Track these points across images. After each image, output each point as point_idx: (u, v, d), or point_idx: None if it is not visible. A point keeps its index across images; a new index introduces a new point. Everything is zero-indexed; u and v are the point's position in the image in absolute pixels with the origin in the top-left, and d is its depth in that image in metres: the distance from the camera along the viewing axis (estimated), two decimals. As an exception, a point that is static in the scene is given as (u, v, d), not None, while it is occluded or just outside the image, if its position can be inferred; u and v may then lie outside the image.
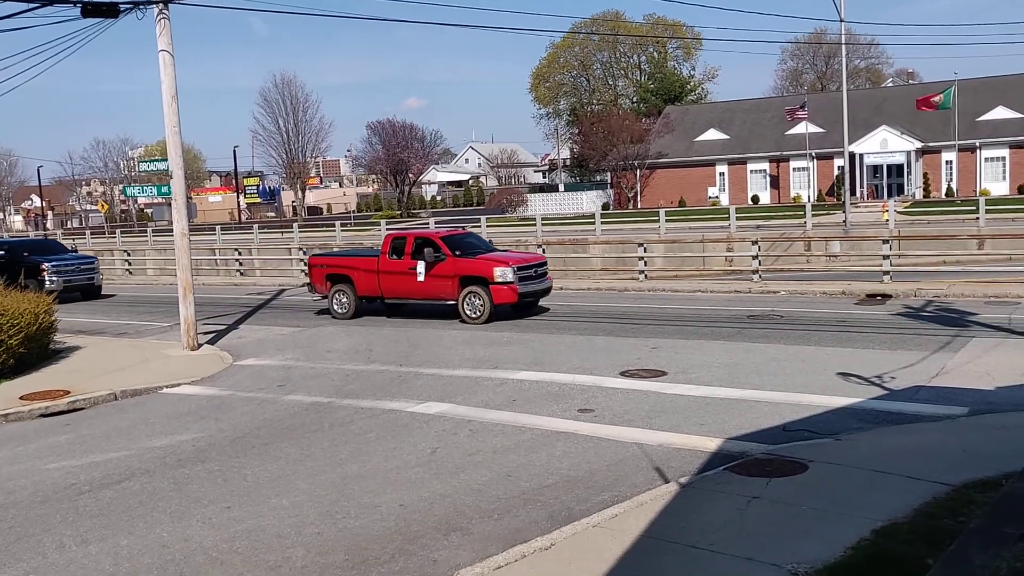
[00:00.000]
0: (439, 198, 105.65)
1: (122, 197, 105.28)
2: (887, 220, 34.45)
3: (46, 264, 29.16)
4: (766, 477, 8.42)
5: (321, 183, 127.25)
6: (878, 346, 15.22)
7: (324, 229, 47.06)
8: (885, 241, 24.34)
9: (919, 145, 60.70)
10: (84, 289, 30.38)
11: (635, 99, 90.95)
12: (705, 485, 8.39)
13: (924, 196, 59.58)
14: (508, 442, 10.50)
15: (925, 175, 61.17)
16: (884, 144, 61.25)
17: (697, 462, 9.34)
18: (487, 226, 37.04)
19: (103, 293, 31.42)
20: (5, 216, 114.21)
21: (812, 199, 59.13)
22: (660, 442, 10.13)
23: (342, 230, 41.95)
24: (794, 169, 65.55)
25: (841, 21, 39.14)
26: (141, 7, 16.90)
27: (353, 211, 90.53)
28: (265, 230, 49.79)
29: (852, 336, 16.32)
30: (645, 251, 27.62)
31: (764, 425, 10.64)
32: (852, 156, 54.59)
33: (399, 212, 77.97)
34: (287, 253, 37.59)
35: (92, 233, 61.63)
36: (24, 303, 16.32)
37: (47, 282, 28.20)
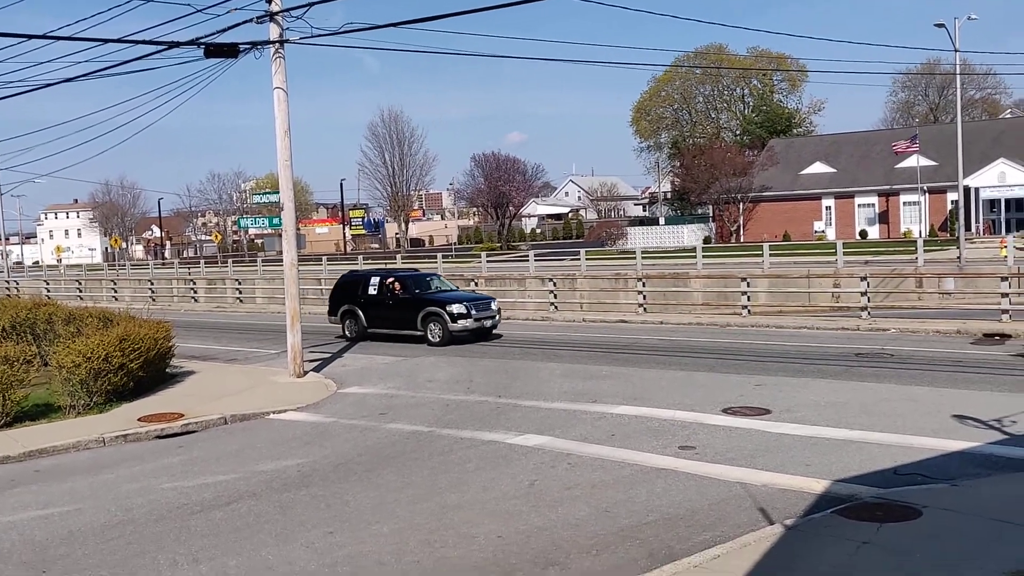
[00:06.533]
0: (539, 231, 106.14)
1: (235, 228, 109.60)
2: (1006, 256, 32.89)
3: None
4: (877, 522, 8.10)
5: (424, 215, 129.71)
6: (997, 388, 14.52)
7: (426, 260, 47.77)
8: (1004, 278, 23.25)
9: (1041, 178, 57.99)
10: None
11: (738, 132, 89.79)
12: (811, 528, 8.13)
13: (1047, 231, 56.78)
14: (607, 477, 10.40)
15: (1048, 209, 58.37)
16: (1002, 177, 58.72)
17: (803, 504, 9.06)
18: (586, 259, 37.00)
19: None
20: (128, 246, 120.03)
21: (924, 234, 57.03)
22: (764, 482, 9.87)
23: (443, 261, 42.56)
24: (904, 203, 63.39)
25: (956, 51, 37.97)
26: (259, 47, 17.65)
27: (454, 243, 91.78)
28: (369, 261, 50.79)
29: (969, 377, 15.61)
30: (748, 286, 27.09)
31: (874, 467, 10.26)
32: (967, 190, 52.48)
33: (499, 244, 78.60)
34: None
35: (206, 262, 64.11)
36: (144, 328, 17.09)
37: None
